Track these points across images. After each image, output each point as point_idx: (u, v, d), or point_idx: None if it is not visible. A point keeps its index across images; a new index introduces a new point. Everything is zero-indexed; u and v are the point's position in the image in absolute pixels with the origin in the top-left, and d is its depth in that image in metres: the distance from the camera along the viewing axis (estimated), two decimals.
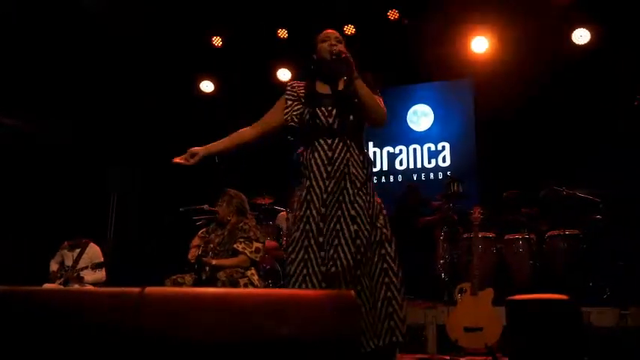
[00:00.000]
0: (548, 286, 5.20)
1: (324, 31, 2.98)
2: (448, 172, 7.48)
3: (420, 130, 7.83)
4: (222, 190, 4.61)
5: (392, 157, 7.85)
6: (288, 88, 2.99)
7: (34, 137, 6.88)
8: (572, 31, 7.08)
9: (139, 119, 7.86)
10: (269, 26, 7.95)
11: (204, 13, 7.85)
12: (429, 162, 7.68)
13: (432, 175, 7.63)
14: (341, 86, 2.91)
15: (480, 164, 7.39)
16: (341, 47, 2.83)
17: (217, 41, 8.15)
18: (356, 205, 2.77)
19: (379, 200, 2.90)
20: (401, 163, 7.80)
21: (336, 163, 2.78)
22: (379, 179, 7.84)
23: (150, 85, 7.96)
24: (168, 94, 8.11)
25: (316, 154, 2.80)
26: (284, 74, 8.01)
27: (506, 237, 5.66)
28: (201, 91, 8.30)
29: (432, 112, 7.82)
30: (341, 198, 2.77)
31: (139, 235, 7.38)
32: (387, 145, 7.89)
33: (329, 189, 2.76)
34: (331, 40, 2.90)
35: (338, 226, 2.73)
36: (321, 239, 2.72)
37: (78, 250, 5.57)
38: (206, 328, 1.88)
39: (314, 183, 2.78)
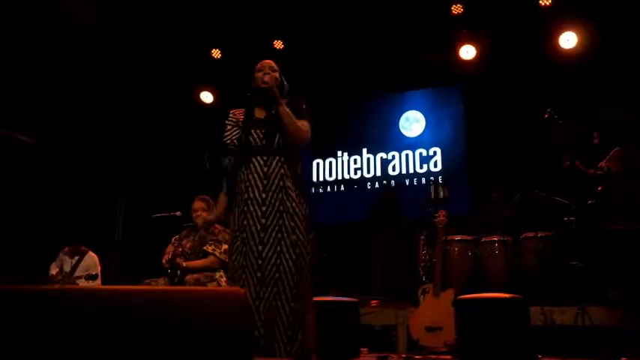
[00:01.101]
0: (522, 287, 5.33)
1: (261, 62, 3.32)
2: (440, 178, 7.65)
3: (412, 136, 7.98)
4: (200, 196, 4.85)
5: (385, 163, 8.00)
6: (230, 115, 3.34)
7: (39, 147, 7.22)
8: (558, 35, 7.14)
9: (141, 129, 8.17)
10: (265, 38, 8.19)
11: (204, 27, 8.15)
12: (421, 167, 7.81)
13: (423, 180, 7.74)
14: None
15: (471, 168, 7.50)
16: (268, 78, 3.15)
17: (216, 53, 8.43)
18: (295, 217, 3.09)
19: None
20: (394, 169, 7.95)
21: (272, 177, 3.10)
22: (373, 185, 8.01)
23: (152, 96, 8.30)
24: (169, 104, 8.45)
25: (252, 170, 3.12)
26: None
27: (483, 239, 5.79)
28: (201, 102, 8.57)
29: (423, 118, 7.96)
30: (281, 208, 3.07)
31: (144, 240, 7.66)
32: (380, 152, 8.05)
33: (267, 201, 3.06)
34: (265, 69, 3.24)
35: (279, 235, 3.03)
36: (260, 247, 3.01)
37: (77, 258, 5.86)
38: (112, 322, 2.14)
39: (251, 195, 3.08)
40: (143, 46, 8.16)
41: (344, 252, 7.48)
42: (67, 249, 5.86)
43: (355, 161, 8.16)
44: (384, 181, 7.96)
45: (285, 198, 3.08)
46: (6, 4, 6.48)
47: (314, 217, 7.41)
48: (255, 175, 3.11)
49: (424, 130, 7.92)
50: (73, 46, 7.33)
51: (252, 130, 3.17)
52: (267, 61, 3.31)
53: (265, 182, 3.09)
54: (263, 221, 3.04)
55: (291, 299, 2.95)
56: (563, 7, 7.09)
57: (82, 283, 5.62)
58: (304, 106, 3.28)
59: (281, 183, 3.09)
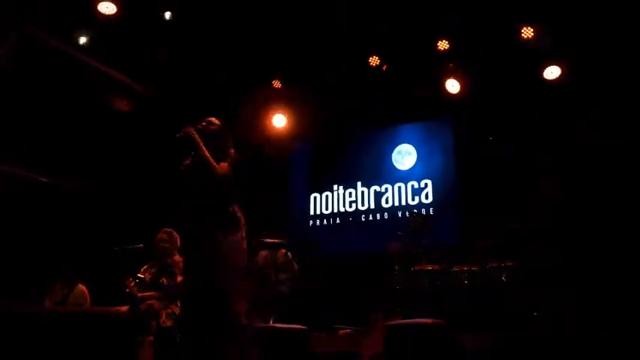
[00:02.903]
0: (486, 316, 5.40)
1: None
2: (431, 209, 7.77)
3: (404, 168, 8.14)
4: (165, 229, 5.15)
5: (378, 195, 8.17)
6: None
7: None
8: (543, 68, 7.24)
9: (148, 163, 8.58)
10: (265, 77, 8.56)
11: (210, 72, 8.59)
12: (413, 199, 7.94)
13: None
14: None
15: (461, 199, 7.59)
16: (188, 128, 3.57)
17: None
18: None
19: None
20: (387, 201, 8.10)
21: None
22: (367, 217, 8.18)
23: (160, 130, 8.74)
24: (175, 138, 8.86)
25: None
26: (279, 120, 8.55)
27: (453, 269, 5.88)
28: None
29: (415, 151, 8.12)
30: None
31: None
32: (373, 185, 8.24)
33: None
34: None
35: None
36: None
37: (67, 289, 6.25)
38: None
39: None
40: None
41: (337, 283, 7.66)
42: (58, 283, 6.22)
43: (350, 194, 8.37)
44: (378, 214, 8.12)
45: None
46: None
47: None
48: None
49: (416, 163, 8.08)
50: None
51: None
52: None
53: None
54: None
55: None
56: (547, 40, 7.21)
57: None
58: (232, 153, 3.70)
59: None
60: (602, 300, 3.96)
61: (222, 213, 3.54)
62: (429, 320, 3.95)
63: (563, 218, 4.42)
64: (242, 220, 3.65)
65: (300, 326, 4.74)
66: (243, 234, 3.62)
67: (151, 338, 4.31)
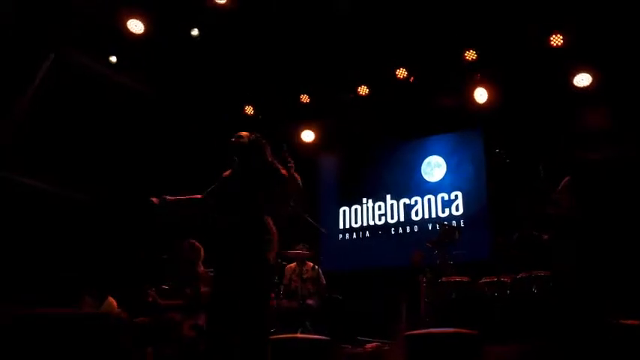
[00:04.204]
0: (514, 327, 5.26)
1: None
2: (462, 221, 7.64)
3: (434, 180, 8.04)
4: (190, 240, 5.17)
5: (408, 208, 8.08)
6: None
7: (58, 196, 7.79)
8: (573, 75, 7.11)
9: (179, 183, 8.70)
10: (293, 92, 8.60)
11: (238, 87, 8.68)
12: (443, 211, 7.82)
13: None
14: None
15: (491, 210, 7.44)
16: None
17: (249, 110, 8.94)
18: None
19: None
20: (416, 214, 8.01)
21: None
22: (397, 230, 8.09)
23: (190, 151, 8.88)
24: (206, 158, 8.97)
25: None
26: (307, 135, 8.57)
27: (482, 280, 5.76)
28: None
29: (444, 163, 8.02)
30: None
31: None
32: (403, 197, 8.15)
33: None
34: None
35: None
36: None
37: (97, 303, 6.34)
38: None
39: None
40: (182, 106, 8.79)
41: (365, 296, 7.56)
42: (88, 296, 6.31)
43: (379, 207, 8.29)
44: (408, 227, 8.03)
45: None
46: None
47: (340, 263, 7.60)
48: None
49: (445, 175, 7.98)
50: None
51: None
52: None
53: None
54: None
55: None
56: (577, 47, 7.07)
57: None
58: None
59: None
60: (608, 303, 3.82)
61: (258, 224, 3.58)
62: (450, 330, 3.85)
63: (573, 225, 4.30)
64: (274, 231, 3.66)
65: (322, 337, 4.68)
66: (275, 246, 3.63)
67: (170, 351, 4.32)
